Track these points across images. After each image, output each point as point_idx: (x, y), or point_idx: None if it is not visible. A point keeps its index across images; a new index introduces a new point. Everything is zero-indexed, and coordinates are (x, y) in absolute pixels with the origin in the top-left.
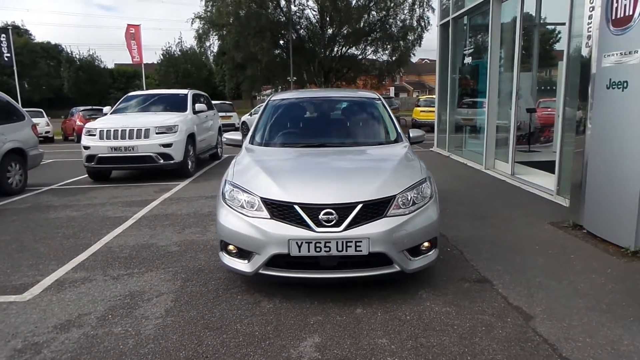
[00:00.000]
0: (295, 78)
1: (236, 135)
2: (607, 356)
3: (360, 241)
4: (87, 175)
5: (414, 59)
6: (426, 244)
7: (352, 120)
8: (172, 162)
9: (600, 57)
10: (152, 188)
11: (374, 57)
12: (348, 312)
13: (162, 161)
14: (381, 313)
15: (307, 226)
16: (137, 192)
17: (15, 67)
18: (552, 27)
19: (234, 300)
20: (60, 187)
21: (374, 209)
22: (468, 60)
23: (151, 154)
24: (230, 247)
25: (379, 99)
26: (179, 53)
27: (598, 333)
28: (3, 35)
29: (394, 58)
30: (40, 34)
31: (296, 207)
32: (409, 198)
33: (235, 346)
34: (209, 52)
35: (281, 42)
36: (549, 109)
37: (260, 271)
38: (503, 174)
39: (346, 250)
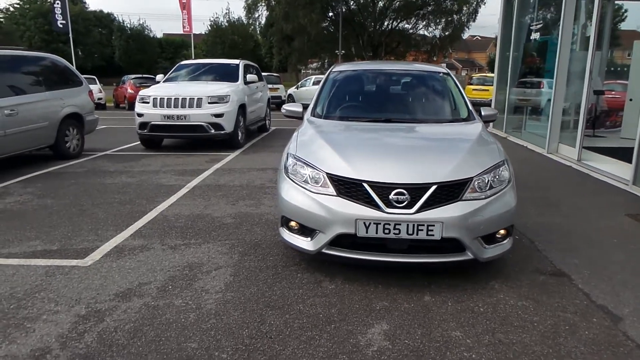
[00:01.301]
0: (343, 52)
1: (296, 107)
2: None
3: (433, 225)
4: (139, 142)
5: (464, 35)
6: (502, 231)
7: (420, 95)
8: (223, 132)
9: None
10: (203, 158)
11: (425, 32)
12: (416, 299)
13: (213, 131)
14: (452, 303)
15: (376, 206)
16: (189, 161)
17: (70, 35)
18: (621, 3)
19: (294, 279)
20: (115, 153)
21: (449, 192)
22: (535, 36)
23: (202, 123)
24: (292, 223)
25: (448, 73)
26: (226, 24)
27: None
28: (58, 2)
29: (446, 33)
30: (93, 3)
31: (365, 185)
32: (486, 181)
33: (299, 328)
34: (257, 24)
35: (330, 14)
36: (613, 92)
37: (324, 250)
38: (568, 159)
39: (417, 234)
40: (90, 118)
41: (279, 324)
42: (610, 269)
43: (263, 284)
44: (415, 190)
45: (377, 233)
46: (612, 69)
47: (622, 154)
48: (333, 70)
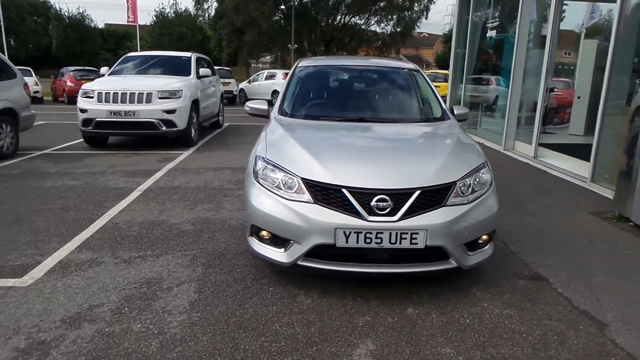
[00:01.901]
0: (296, 46)
1: (261, 104)
2: None
3: (417, 233)
4: (82, 139)
5: (414, 32)
6: (484, 237)
7: (392, 93)
8: (174, 129)
9: None
10: (153, 157)
11: (378, 28)
12: (398, 312)
13: (164, 128)
14: (436, 314)
15: (356, 214)
16: (139, 161)
17: (1, 23)
18: (568, 3)
19: (266, 294)
20: (55, 152)
21: (433, 197)
22: (491, 33)
23: (153, 120)
24: (263, 232)
25: (418, 70)
26: (173, 15)
27: None
28: None
29: (398, 29)
30: None
31: (345, 191)
32: (469, 185)
33: (277, 352)
34: (207, 15)
35: (282, 7)
36: (556, 89)
37: (299, 262)
38: (525, 156)
39: (400, 243)
40: (26, 114)
41: (254, 349)
42: (586, 270)
43: (232, 301)
44: (398, 196)
45: (357, 243)
46: (561, 67)
47: (573, 150)
48: (299, 65)
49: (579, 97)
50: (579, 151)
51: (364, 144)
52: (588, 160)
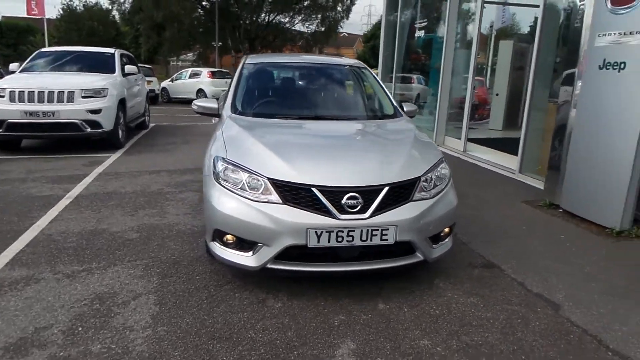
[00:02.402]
0: (220, 43)
1: (210, 102)
2: None
3: (387, 229)
4: None
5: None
6: (446, 230)
7: (345, 90)
8: (100, 130)
9: (593, 36)
10: (78, 161)
11: (302, 27)
12: (370, 309)
13: (89, 129)
14: (407, 308)
15: (327, 213)
16: (62, 166)
17: None
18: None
19: (233, 300)
20: None
21: (400, 193)
22: (420, 34)
23: (76, 120)
24: (228, 237)
25: (366, 67)
26: (82, 8)
27: (630, 320)
28: None
29: (322, 29)
30: None
31: (315, 190)
32: (431, 180)
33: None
34: (122, 10)
35: (205, 3)
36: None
37: (269, 266)
38: (455, 151)
39: (371, 240)
40: None
41: None
42: (531, 256)
43: (198, 310)
44: (367, 193)
45: (329, 242)
46: (480, 66)
47: (496, 144)
48: (247, 63)
49: (497, 94)
50: (502, 145)
51: (328, 142)
52: (512, 153)
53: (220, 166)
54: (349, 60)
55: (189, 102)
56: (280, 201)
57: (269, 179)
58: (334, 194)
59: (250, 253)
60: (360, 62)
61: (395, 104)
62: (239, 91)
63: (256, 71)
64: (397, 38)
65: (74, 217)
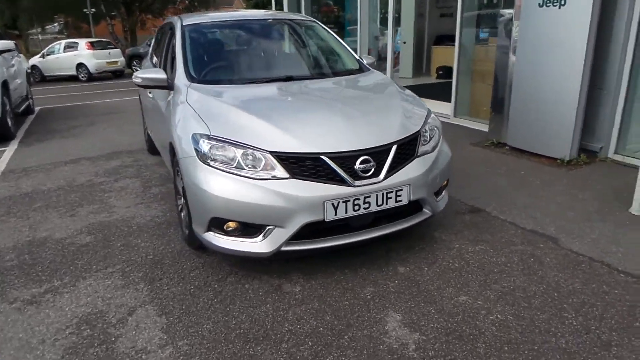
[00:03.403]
0: (94, 10)
1: (157, 73)
2: None
3: (401, 189)
4: None
5: None
6: (444, 182)
7: (306, 47)
8: None
9: None
10: None
11: None
12: (392, 274)
13: None
14: (426, 266)
15: (342, 181)
16: None
17: None
18: None
19: (245, 293)
20: None
21: (406, 150)
22: None
23: None
24: (230, 224)
25: (316, 21)
26: None
27: (620, 241)
28: None
29: None
30: None
31: (324, 158)
32: (426, 132)
33: (313, 355)
34: None
35: None
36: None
37: (283, 249)
38: None
39: (386, 203)
40: None
41: None
42: (506, 195)
43: (213, 312)
44: (378, 155)
45: (347, 212)
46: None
47: (416, 91)
48: (185, 24)
49: (404, 42)
50: (419, 91)
51: (318, 104)
52: (436, 98)
53: (205, 145)
54: (295, 15)
55: (68, 79)
56: (288, 175)
57: (271, 152)
58: (346, 159)
59: (260, 238)
60: (308, 16)
61: (357, 57)
62: (189, 57)
63: (201, 33)
64: None
65: None
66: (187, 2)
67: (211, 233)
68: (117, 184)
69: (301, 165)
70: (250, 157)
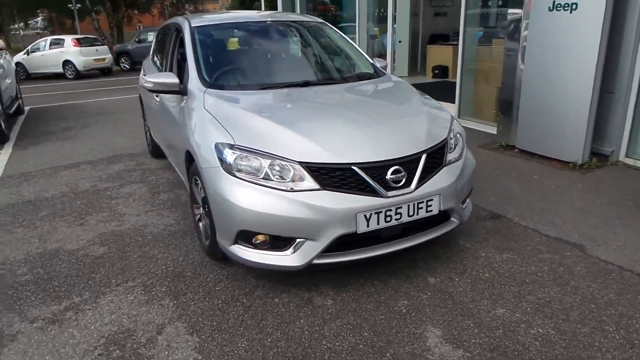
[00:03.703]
0: (79, 6)
1: (169, 78)
2: None
3: (432, 199)
4: None
5: None
6: (470, 190)
7: (319, 50)
8: None
9: None
10: None
11: None
12: (424, 285)
13: None
14: (457, 277)
15: (373, 192)
16: None
17: None
18: None
19: (276, 307)
20: None
21: (435, 158)
22: None
23: None
24: (259, 237)
25: (325, 23)
26: None
27: None
28: None
29: None
30: None
31: (356, 169)
32: (453, 139)
33: None
34: None
35: None
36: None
37: (315, 262)
38: None
39: (417, 213)
40: None
41: None
42: (523, 200)
43: (246, 329)
44: (409, 164)
45: (379, 224)
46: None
47: None
48: (195, 26)
49: (400, 42)
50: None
51: (343, 111)
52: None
53: (230, 155)
54: (304, 17)
55: (53, 77)
56: (318, 187)
57: (301, 163)
58: (377, 169)
59: (290, 251)
60: (316, 18)
61: (372, 61)
62: (201, 60)
63: (212, 35)
64: None
65: (5, 240)
66: None
67: (238, 246)
68: (123, 190)
69: (332, 176)
70: (277, 168)
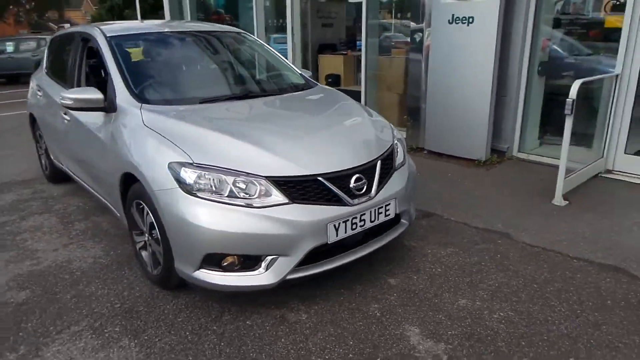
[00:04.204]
0: None
1: (91, 93)
2: (604, 238)
3: (389, 203)
4: None
5: None
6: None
7: (248, 62)
8: None
9: None
10: None
11: None
12: (387, 287)
13: None
14: (414, 275)
15: (339, 201)
16: None
17: None
18: None
19: (251, 330)
20: None
21: (387, 164)
22: None
23: None
24: (229, 258)
25: (248, 33)
26: None
27: (558, 230)
28: None
29: None
30: None
31: (321, 179)
32: (397, 144)
33: None
34: None
35: None
36: None
37: (288, 277)
38: None
39: (377, 219)
40: None
41: None
42: (445, 197)
43: (229, 358)
44: (367, 171)
45: (346, 232)
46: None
47: None
48: (110, 35)
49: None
50: None
51: (295, 122)
52: None
53: (189, 174)
54: (225, 27)
55: None
56: (287, 200)
57: (267, 177)
58: (341, 179)
59: (262, 269)
60: (237, 29)
61: (299, 71)
62: (128, 74)
63: (134, 46)
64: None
65: None
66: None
67: (204, 270)
68: (26, 223)
69: (299, 189)
70: (242, 184)
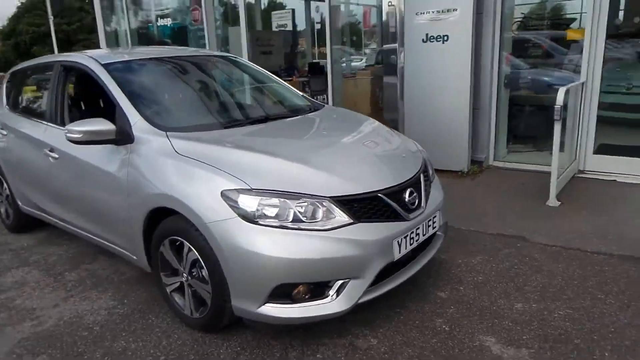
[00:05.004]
0: None
1: (101, 124)
2: (610, 232)
3: (435, 215)
4: None
5: None
6: None
7: (255, 86)
8: None
9: (411, 15)
10: None
11: None
12: (440, 301)
13: None
14: (460, 286)
15: (398, 217)
16: None
17: None
18: None
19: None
20: None
21: (425, 176)
22: (165, 22)
23: None
24: (301, 287)
25: (240, 58)
26: None
27: (567, 226)
28: None
29: None
30: None
31: (381, 195)
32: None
33: None
34: None
35: None
36: None
37: (360, 301)
38: None
39: (427, 231)
40: None
41: None
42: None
43: None
44: (415, 185)
45: (406, 248)
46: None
47: None
48: (105, 62)
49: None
50: None
51: (335, 141)
52: None
53: (250, 200)
54: (221, 53)
55: None
56: (351, 220)
57: (331, 198)
58: (397, 194)
59: (333, 296)
60: (227, 54)
61: (301, 94)
62: (139, 102)
63: (136, 73)
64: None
65: None
66: None
67: (271, 305)
68: (5, 279)
69: (362, 207)
70: (304, 208)
